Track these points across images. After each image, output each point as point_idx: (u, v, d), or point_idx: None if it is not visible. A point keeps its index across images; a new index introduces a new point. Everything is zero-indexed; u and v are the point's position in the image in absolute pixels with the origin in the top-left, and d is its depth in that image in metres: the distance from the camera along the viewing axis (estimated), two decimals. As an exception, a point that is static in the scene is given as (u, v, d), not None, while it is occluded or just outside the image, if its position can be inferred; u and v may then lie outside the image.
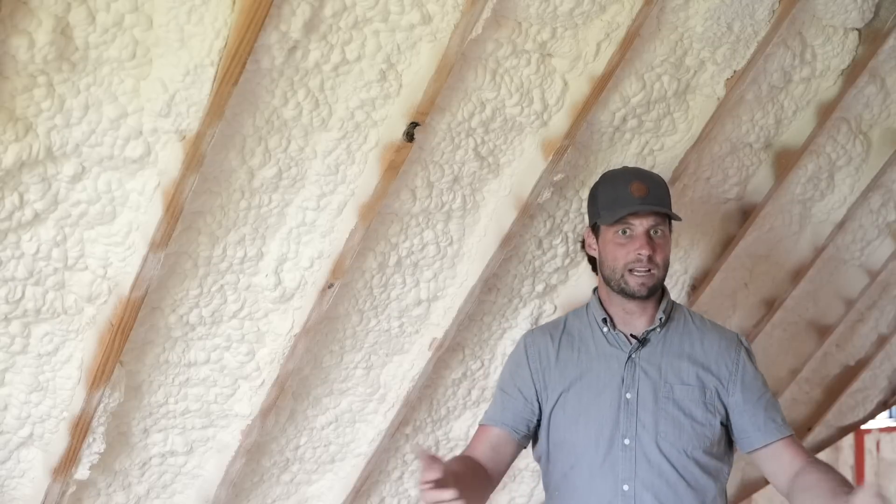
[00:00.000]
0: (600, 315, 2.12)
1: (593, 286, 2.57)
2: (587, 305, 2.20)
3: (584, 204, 2.42)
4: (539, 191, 2.25)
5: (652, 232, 2.04)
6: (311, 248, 2.10)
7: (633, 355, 2.08)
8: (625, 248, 2.04)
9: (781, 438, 2.08)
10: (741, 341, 2.17)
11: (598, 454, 2.03)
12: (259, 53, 1.77)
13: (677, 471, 2.02)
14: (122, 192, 1.84)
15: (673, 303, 2.17)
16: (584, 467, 2.04)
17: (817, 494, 1.91)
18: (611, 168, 2.37)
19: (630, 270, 2.04)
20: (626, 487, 2.00)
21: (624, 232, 2.05)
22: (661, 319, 2.10)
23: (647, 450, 2.02)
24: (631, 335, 2.10)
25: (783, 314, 3.29)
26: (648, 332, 2.10)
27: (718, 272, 2.85)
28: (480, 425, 2.18)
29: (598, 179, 2.18)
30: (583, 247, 2.25)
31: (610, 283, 2.08)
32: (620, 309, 2.11)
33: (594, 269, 2.20)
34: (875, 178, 2.91)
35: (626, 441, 2.03)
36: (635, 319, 2.11)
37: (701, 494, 2.03)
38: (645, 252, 2.02)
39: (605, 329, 2.11)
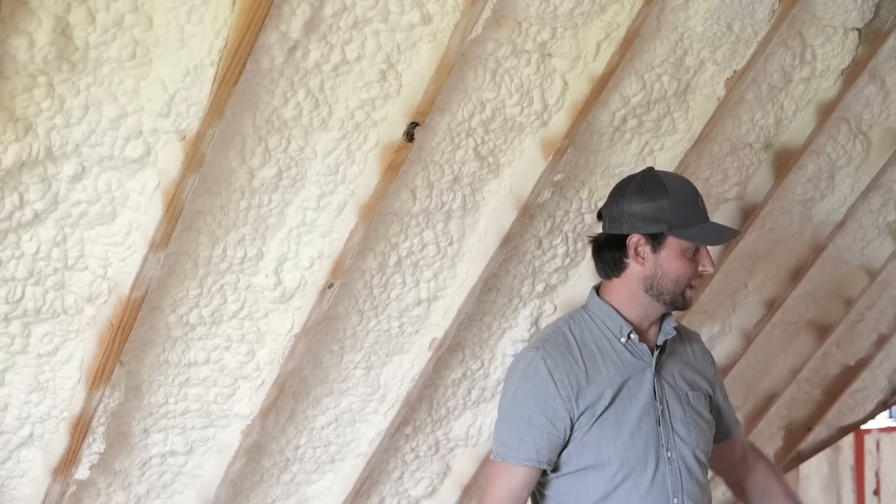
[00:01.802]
0: (623, 326, 2.05)
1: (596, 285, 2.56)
2: (587, 313, 2.11)
3: (584, 204, 2.42)
4: (539, 191, 2.25)
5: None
6: (311, 248, 2.10)
7: (656, 366, 2.08)
8: (693, 262, 2.03)
9: (736, 438, 2.29)
10: (703, 341, 2.30)
11: (648, 472, 1.99)
12: (259, 53, 1.77)
13: (705, 472, 2.08)
14: (122, 192, 1.84)
15: None
16: (633, 486, 1.99)
17: None
18: (611, 168, 2.37)
19: (691, 285, 2.05)
20: (675, 501, 2.00)
21: (696, 248, 2.05)
22: (674, 327, 2.10)
23: (686, 460, 2.03)
24: (657, 345, 2.09)
25: (783, 314, 3.29)
26: (666, 341, 2.09)
27: (718, 272, 2.85)
28: (512, 465, 2.01)
29: (655, 183, 2.05)
30: (599, 249, 2.13)
31: (663, 297, 2.04)
32: (642, 318, 2.07)
33: (602, 271, 2.12)
34: (875, 178, 2.91)
35: (669, 454, 2.01)
36: (650, 328, 2.10)
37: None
38: (711, 269, 2.06)
39: (625, 340, 2.06)
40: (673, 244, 2.02)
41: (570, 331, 2.10)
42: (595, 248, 2.14)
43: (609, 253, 2.09)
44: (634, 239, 2.04)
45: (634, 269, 2.05)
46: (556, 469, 2.04)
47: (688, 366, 2.14)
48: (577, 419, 2.00)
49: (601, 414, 2.01)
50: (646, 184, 2.05)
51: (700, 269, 2.04)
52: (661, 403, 2.03)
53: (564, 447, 2.02)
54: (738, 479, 2.32)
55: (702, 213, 2.06)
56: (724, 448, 2.26)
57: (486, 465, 2.78)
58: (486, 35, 1.96)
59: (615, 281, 2.09)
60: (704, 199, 2.64)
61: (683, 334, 2.21)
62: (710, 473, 2.16)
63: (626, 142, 2.37)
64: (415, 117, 1.95)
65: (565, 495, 2.04)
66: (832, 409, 4.02)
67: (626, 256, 2.05)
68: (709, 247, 2.09)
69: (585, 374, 2.02)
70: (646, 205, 2.03)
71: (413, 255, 2.27)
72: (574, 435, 2.01)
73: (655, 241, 2.02)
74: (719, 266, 2.82)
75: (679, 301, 2.05)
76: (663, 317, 2.11)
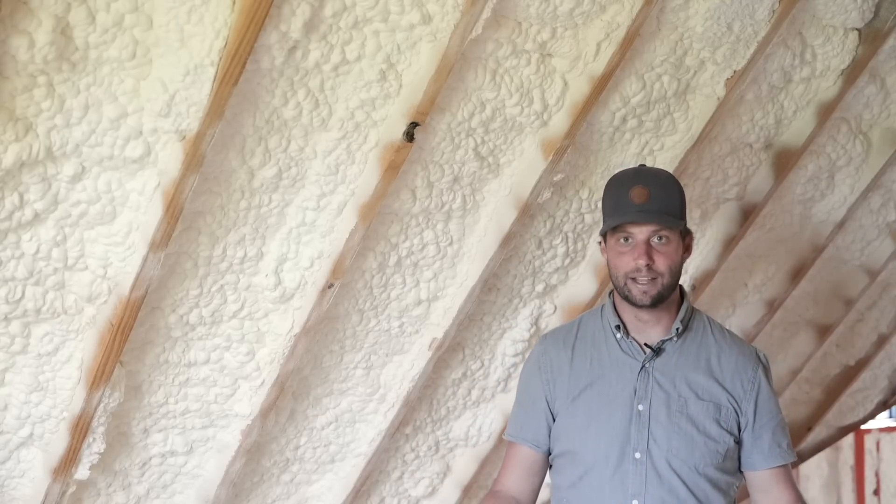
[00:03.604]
0: (614, 321, 2.06)
1: (594, 286, 2.57)
2: (602, 307, 2.13)
3: (584, 204, 2.43)
4: (539, 191, 2.25)
5: (654, 239, 1.97)
6: (311, 248, 2.10)
7: (647, 365, 2.02)
8: (625, 256, 1.98)
9: (779, 466, 2.05)
10: (759, 358, 2.09)
11: (609, 467, 1.98)
12: (259, 53, 1.77)
13: (688, 487, 1.96)
14: (122, 192, 1.84)
15: (694, 311, 2.10)
16: (594, 479, 1.99)
17: None
18: (611, 168, 2.38)
19: (632, 279, 1.98)
20: (635, 503, 1.96)
21: (626, 240, 1.98)
22: (677, 330, 2.02)
23: (657, 465, 1.97)
24: (645, 344, 2.03)
25: (783, 314, 3.29)
26: (664, 343, 2.03)
27: (718, 272, 2.85)
28: (508, 442, 2.14)
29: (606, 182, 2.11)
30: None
31: (617, 290, 2.04)
32: (633, 316, 2.04)
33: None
34: (875, 178, 2.91)
35: (637, 455, 1.97)
36: (649, 328, 2.04)
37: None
38: (642, 261, 1.96)
39: (619, 336, 2.05)
40: (608, 238, 2.04)
41: (581, 321, 2.15)
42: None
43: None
44: (600, 240, 2.10)
45: None
46: (550, 451, 2.11)
47: (704, 373, 2.03)
48: (554, 404, 2.07)
49: (574, 403, 2.04)
50: (605, 185, 2.12)
51: (633, 262, 1.97)
52: (642, 404, 1.99)
53: (551, 430, 2.09)
54: None
55: (626, 205, 1.98)
56: (757, 479, 2.05)
57: (486, 464, 2.79)
58: (486, 35, 1.96)
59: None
60: (704, 199, 2.65)
61: (719, 341, 2.09)
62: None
63: (626, 142, 2.37)
64: (415, 117, 1.96)
65: (554, 478, 2.11)
66: (832, 409, 4.02)
67: None
68: (697, 247, 2.07)
69: (569, 363, 2.07)
70: (601, 205, 2.11)
71: (413, 255, 2.27)
72: (556, 419, 2.07)
73: (604, 239, 2.07)
74: (719, 266, 2.82)
75: (629, 296, 2.00)
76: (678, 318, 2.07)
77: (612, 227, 1.99)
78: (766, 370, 2.09)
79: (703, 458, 1.98)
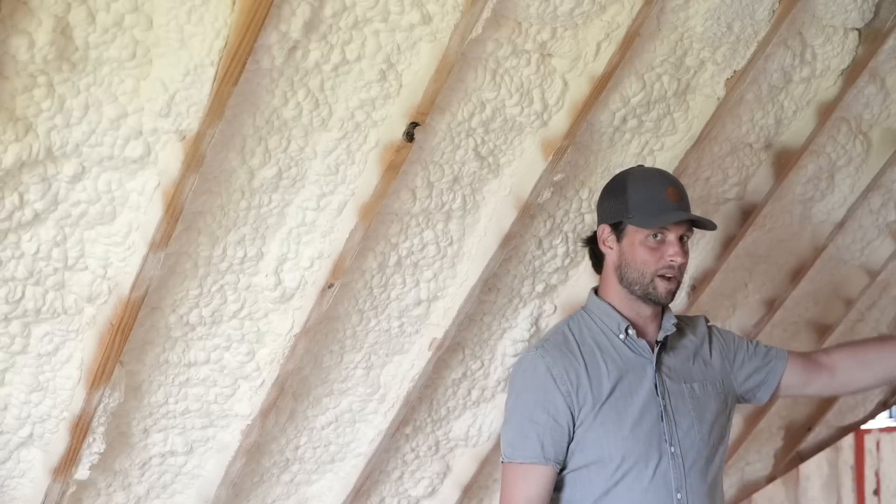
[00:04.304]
0: (621, 322, 2.08)
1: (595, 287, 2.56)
2: (587, 312, 2.15)
3: (584, 204, 2.42)
4: (539, 191, 2.25)
5: (683, 238, 2.06)
6: (311, 248, 2.10)
7: (659, 361, 2.08)
8: (656, 252, 2.02)
9: (788, 356, 2.23)
10: (707, 320, 2.26)
11: (650, 466, 2.00)
12: (259, 53, 1.77)
13: (714, 466, 2.07)
14: (122, 192, 1.84)
15: None
16: (633, 482, 2.00)
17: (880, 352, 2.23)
18: (611, 168, 2.37)
19: (662, 277, 2.02)
20: (679, 496, 1.99)
21: (655, 236, 2.03)
22: (674, 324, 2.10)
23: (690, 455, 2.03)
24: (657, 341, 2.09)
25: (783, 314, 3.29)
26: (667, 337, 2.09)
27: (718, 272, 2.85)
28: (519, 464, 2.03)
29: (621, 176, 2.14)
30: (588, 243, 2.20)
31: (633, 287, 2.05)
32: (636, 314, 2.08)
33: (596, 266, 2.17)
34: (875, 178, 2.91)
35: (672, 449, 2.02)
36: (648, 324, 2.10)
37: (723, 476, 2.14)
38: (681, 259, 2.02)
39: (624, 336, 2.07)
40: (631, 233, 2.06)
41: (570, 330, 2.14)
42: (588, 245, 2.23)
43: (593, 247, 2.19)
44: (600, 229, 2.13)
45: (608, 259, 2.12)
46: (562, 467, 2.05)
47: (693, 358, 2.14)
48: (578, 414, 2.03)
49: (601, 409, 2.03)
50: (616, 179, 2.15)
51: (669, 259, 2.03)
52: (664, 399, 2.04)
53: (569, 443, 2.04)
54: (828, 383, 2.25)
55: (664, 203, 2.04)
56: (788, 379, 2.21)
57: (486, 464, 2.79)
58: (486, 35, 1.96)
59: (603, 276, 2.15)
60: (704, 199, 2.65)
61: (687, 326, 2.20)
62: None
63: (626, 142, 2.37)
64: (415, 117, 1.96)
65: (570, 493, 2.05)
66: (832, 409, 4.01)
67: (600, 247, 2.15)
68: (692, 243, 2.11)
69: (585, 370, 2.06)
70: (611, 198, 2.13)
71: (413, 255, 2.27)
72: (577, 430, 2.03)
73: (617, 230, 2.09)
74: (719, 266, 2.82)
75: (651, 293, 2.03)
76: (664, 313, 2.11)
77: (658, 226, 2.03)
78: (713, 325, 2.28)
79: (721, 436, 2.11)
